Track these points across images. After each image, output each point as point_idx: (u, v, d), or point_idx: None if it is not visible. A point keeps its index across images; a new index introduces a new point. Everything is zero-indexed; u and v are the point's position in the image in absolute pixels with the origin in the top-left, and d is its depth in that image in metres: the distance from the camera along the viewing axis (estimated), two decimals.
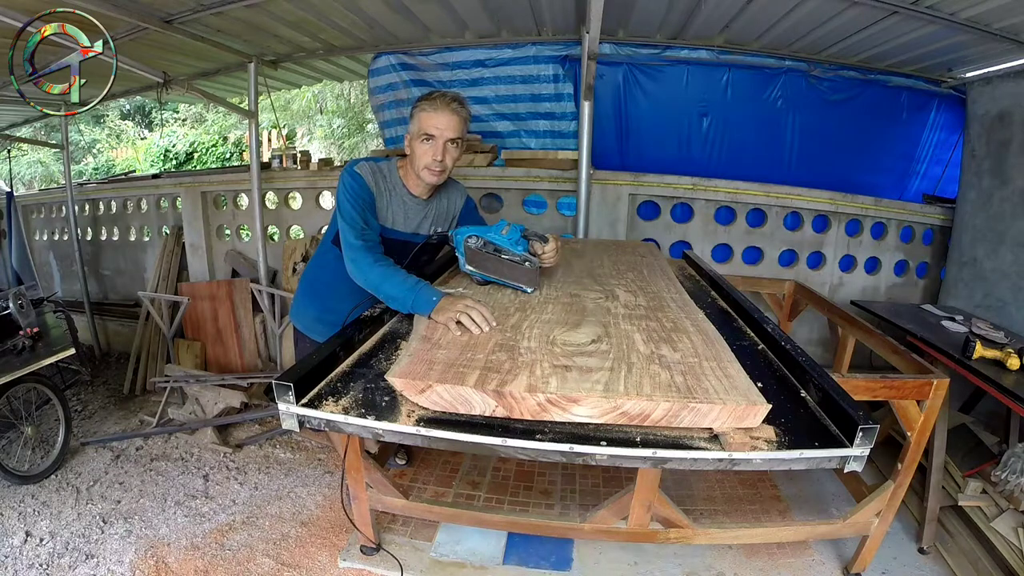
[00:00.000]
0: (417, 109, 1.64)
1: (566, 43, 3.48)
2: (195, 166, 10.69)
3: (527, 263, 1.57)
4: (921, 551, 2.18)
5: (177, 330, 4.03)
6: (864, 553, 1.99)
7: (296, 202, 4.38)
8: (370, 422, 1.05)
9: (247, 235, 4.53)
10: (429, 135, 1.60)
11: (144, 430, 3.22)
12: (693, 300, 1.62)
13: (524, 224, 1.69)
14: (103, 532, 2.33)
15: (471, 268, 1.61)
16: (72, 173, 4.86)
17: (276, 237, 4.31)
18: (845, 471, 1.01)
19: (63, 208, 5.16)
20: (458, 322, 1.31)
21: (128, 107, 11.66)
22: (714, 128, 3.70)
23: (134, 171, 9.58)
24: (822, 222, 3.57)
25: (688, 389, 1.03)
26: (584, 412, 1.01)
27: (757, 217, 3.55)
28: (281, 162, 4.39)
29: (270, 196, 4.20)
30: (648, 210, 3.56)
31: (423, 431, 1.04)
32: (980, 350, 2.17)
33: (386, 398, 1.12)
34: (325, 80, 5.08)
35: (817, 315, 3.15)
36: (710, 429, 1.02)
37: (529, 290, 1.58)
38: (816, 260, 3.63)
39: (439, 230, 1.83)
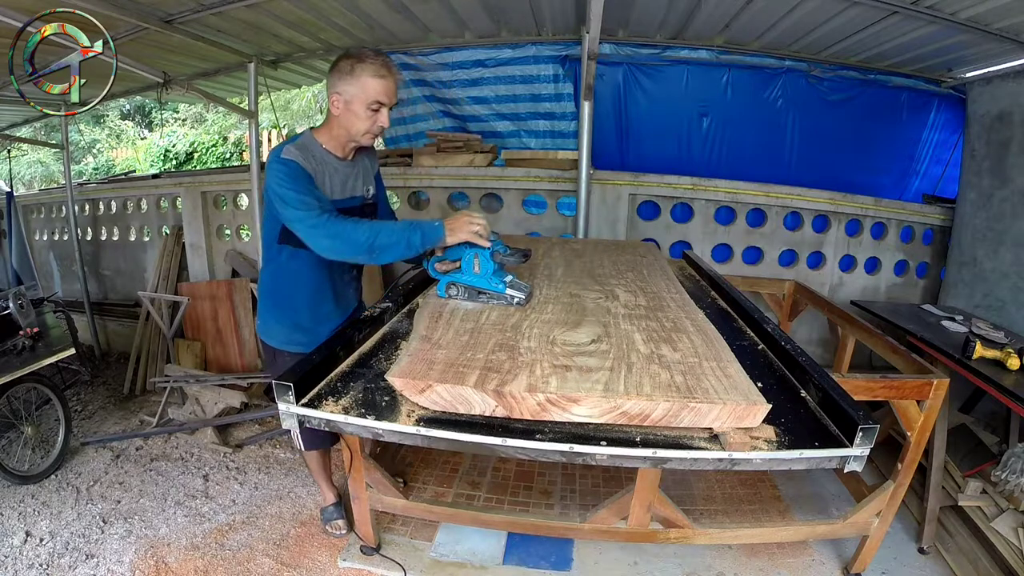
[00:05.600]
0: (362, 73, 1.52)
1: (566, 43, 3.48)
2: (195, 166, 10.68)
3: (516, 300, 1.51)
4: (921, 551, 2.18)
5: (177, 330, 4.02)
6: (864, 553, 1.99)
7: None
8: (370, 422, 1.05)
9: (247, 235, 4.52)
10: (380, 103, 1.57)
11: (144, 430, 3.22)
12: (693, 300, 1.62)
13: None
14: (103, 532, 2.33)
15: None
16: (72, 173, 4.85)
17: None
18: (845, 471, 1.02)
19: (63, 208, 5.15)
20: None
21: (128, 107, 11.64)
22: (714, 128, 3.70)
23: (134, 171, 9.57)
24: (822, 222, 3.57)
25: (688, 389, 1.03)
26: (584, 412, 1.01)
27: (757, 217, 3.55)
28: None
29: None
30: (648, 210, 3.56)
31: (423, 431, 1.04)
32: (980, 350, 2.17)
33: (386, 398, 1.12)
34: (325, 80, 5.07)
35: (817, 315, 3.15)
36: (710, 429, 1.03)
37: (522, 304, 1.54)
38: (816, 260, 3.63)
39: (370, 189, 1.83)
